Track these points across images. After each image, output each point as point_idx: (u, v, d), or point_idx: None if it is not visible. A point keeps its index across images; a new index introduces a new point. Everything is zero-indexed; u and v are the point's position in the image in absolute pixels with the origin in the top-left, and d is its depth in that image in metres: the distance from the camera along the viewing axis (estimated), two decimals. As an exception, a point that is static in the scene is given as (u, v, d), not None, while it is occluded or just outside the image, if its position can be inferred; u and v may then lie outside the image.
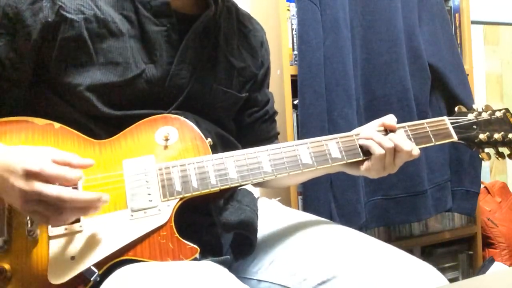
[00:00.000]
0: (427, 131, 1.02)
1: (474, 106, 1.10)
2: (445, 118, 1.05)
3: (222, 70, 1.04)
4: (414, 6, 1.88)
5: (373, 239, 0.98)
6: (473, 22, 2.19)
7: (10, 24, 0.88)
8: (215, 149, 0.93)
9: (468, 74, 2.02)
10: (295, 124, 1.74)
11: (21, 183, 0.74)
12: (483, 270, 2.11)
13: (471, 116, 1.06)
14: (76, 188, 0.82)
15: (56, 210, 0.75)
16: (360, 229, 1.71)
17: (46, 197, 0.74)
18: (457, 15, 2.10)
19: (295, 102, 1.71)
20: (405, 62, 1.84)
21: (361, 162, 0.98)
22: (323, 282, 0.90)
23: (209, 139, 0.92)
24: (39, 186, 0.74)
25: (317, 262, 0.93)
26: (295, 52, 1.73)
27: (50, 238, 0.81)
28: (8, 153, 0.79)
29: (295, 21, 1.73)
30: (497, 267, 2.12)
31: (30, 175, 0.74)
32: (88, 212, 0.78)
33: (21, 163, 0.75)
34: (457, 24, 2.10)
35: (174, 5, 0.96)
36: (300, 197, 1.73)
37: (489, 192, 2.33)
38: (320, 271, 0.91)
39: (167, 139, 0.90)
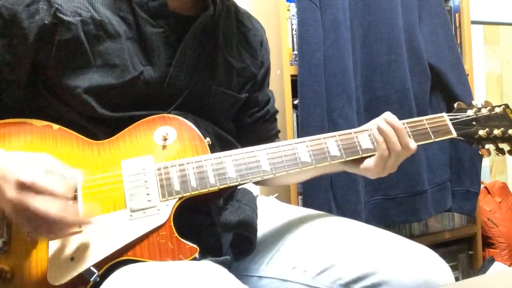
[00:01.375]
0: (426, 128, 1.01)
1: (474, 102, 1.09)
2: (444, 114, 1.04)
3: (221, 71, 1.03)
4: (414, 6, 1.88)
5: (369, 226, 0.98)
6: (473, 22, 2.19)
7: (6, 26, 0.88)
8: (214, 149, 0.93)
9: (468, 74, 2.02)
10: (295, 124, 1.74)
11: (12, 193, 0.73)
12: (483, 270, 2.11)
13: (470, 112, 1.05)
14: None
15: (42, 225, 0.75)
16: (360, 229, 1.72)
17: (34, 211, 0.73)
18: (457, 15, 2.10)
19: (295, 102, 1.71)
20: (405, 62, 1.83)
21: (361, 160, 0.98)
22: (322, 272, 0.91)
23: (208, 139, 0.92)
24: (28, 199, 0.73)
25: (316, 253, 0.93)
26: (295, 52, 1.73)
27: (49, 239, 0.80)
28: (4, 159, 0.78)
29: (295, 21, 1.73)
30: (497, 267, 2.12)
31: (22, 187, 0.73)
32: (71, 233, 0.79)
33: (15, 173, 0.74)
34: (457, 24, 2.10)
35: (172, 6, 0.95)
36: (300, 197, 1.73)
37: (489, 192, 2.32)
38: (320, 260, 0.92)
39: (165, 139, 0.90)
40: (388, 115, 0.99)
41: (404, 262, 0.87)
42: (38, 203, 0.73)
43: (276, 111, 1.22)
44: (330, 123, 1.69)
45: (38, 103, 0.93)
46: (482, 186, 2.17)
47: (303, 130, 1.66)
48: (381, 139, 0.96)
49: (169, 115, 0.93)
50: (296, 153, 0.93)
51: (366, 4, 1.81)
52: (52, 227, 0.75)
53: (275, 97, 1.23)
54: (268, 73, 1.18)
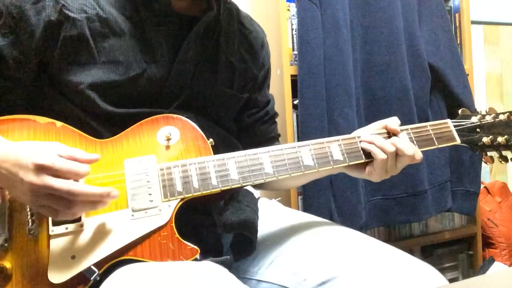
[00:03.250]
0: (430, 134, 1.01)
1: (478, 109, 1.09)
2: (448, 121, 1.04)
3: (223, 71, 1.04)
4: (414, 6, 1.88)
5: (373, 240, 0.98)
6: (473, 22, 2.19)
7: (15, 23, 0.89)
8: (216, 149, 0.93)
9: (468, 74, 2.02)
10: (295, 124, 1.74)
11: (32, 177, 0.74)
12: (483, 270, 2.11)
13: (474, 119, 1.05)
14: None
15: (66, 204, 0.76)
16: (360, 229, 1.72)
17: (57, 191, 0.74)
18: (457, 15, 2.10)
19: (295, 102, 1.71)
20: (405, 62, 1.84)
21: (364, 165, 0.98)
22: (323, 283, 0.90)
23: (211, 140, 0.92)
24: (50, 180, 0.74)
25: (317, 263, 0.92)
26: (295, 52, 1.73)
27: (50, 237, 0.81)
28: (16, 148, 0.79)
29: (295, 21, 1.73)
30: (497, 267, 2.12)
31: (40, 169, 0.74)
32: (97, 207, 0.79)
33: (31, 158, 0.75)
34: (457, 24, 2.10)
35: (176, 6, 0.96)
36: (300, 197, 1.73)
37: (489, 192, 2.33)
38: (321, 271, 0.91)
39: (168, 139, 0.90)
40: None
41: (409, 281, 0.87)
42: (61, 183, 0.75)
43: (276, 114, 1.22)
44: (330, 123, 1.69)
45: (42, 100, 0.94)
46: (482, 186, 2.17)
47: (303, 130, 1.66)
48: (370, 145, 0.96)
49: (172, 115, 0.93)
50: (299, 157, 0.93)
51: (366, 4, 1.81)
52: (79, 203, 0.76)
53: (275, 97, 1.23)
54: (268, 75, 1.18)
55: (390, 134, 0.99)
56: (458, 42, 2.10)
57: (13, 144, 0.81)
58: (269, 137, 1.18)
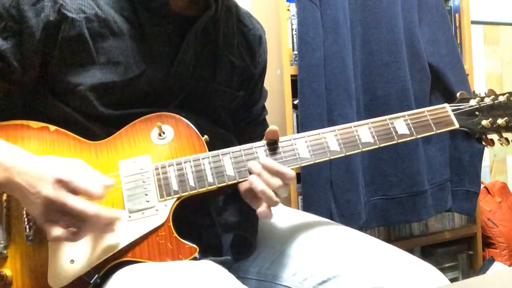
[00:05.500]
0: (428, 120, 0.98)
1: (477, 91, 1.05)
2: (446, 105, 1.00)
3: (222, 70, 1.03)
4: (414, 6, 1.88)
5: (373, 239, 0.97)
6: (473, 22, 2.19)
7: (16, 25, 0.87)
8: (214, 147, 0.92)
9: (468, 74, 2.02)
10: (295, 124, 1.74)
11: (49, 190, 0.74)
12: (483, 270, 2.11)
13: (473, 102, 1.02)
14: None
15: (75, 223, 0.75)
16: (360, 229, 1.71)
17: (70, 208, 0.74)
18: (457, 15, 2.10)
19: (295, 102, 1.71)
20: (405, 62, 1.84)
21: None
22: (324, 282, 0.90)
23: (206, 136, 0.91)
24: (66, 196, 0.74)
25: (317, 262, 0.92)
26: (295, 52, 1.73)
27: (49, 242, 0.80)
28: (39, 161, 0.78)
29: (295, 21, 1.73)
30: (497, 267, 2.12)
31: (59, 183, 0.74)
32: (105, 231, 0.78)
33: (52, 171, 0.75)
34: (457, 24, 2.10)
35: (174, 6, 0.95)
36: (300, 197, 1.73)
37: (489, 192, 2.32)
38: (321, 270, 0.91)
39: (162, 138, 0.90)
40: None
41: (409, 280, 0.86)
42: (76, 201, 0.74)
43: (266, 113, 1.21)
44: (330, 123, 1.69)
45: (39, 102, 0.92)
46: (482, 186, 2.17)
47: (303, 130, 1.66)
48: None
49: (165, 113, 0.92)
50: (295, 149, 0.92)
51: (366, 4, 1.81)
52: (87, 223, 0.75)
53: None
54: (264, 72, 1.18)
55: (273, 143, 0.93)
56: (458, 42, 2.10)
57: (36, 158, 0.80)
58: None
